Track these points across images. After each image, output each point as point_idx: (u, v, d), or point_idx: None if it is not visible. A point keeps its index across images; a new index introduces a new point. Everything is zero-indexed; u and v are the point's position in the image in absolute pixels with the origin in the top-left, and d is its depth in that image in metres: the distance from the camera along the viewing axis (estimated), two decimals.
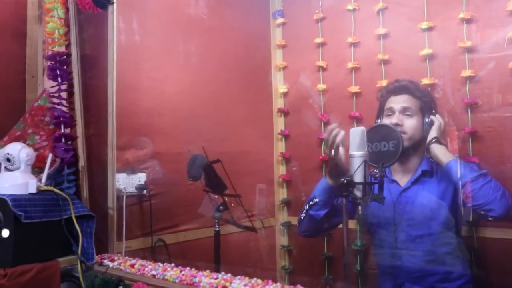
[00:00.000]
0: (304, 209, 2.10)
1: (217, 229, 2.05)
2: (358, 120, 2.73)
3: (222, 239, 2.61)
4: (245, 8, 2.99)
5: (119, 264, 1.77)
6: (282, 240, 3.07)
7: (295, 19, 3.08)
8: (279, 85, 3.12)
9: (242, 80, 2.92)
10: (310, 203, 2.05)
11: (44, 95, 1.96)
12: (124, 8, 2.06)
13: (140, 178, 2.32)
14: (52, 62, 1.89)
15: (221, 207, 2.05)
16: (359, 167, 1.69)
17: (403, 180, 2.08)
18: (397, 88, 2.11)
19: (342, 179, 1.67)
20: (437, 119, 2.02)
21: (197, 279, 1.52)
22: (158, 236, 2.36)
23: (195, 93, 2.62)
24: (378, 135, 1.90)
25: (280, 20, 3.11)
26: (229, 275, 1.53)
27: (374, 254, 2.26)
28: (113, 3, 1.84)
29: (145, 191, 2.32)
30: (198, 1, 2.65)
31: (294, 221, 3.00)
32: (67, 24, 1.92)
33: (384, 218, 2.08)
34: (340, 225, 2.17)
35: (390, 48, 2.65)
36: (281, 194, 3.08)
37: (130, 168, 2.26)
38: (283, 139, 3.10)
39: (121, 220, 2.03)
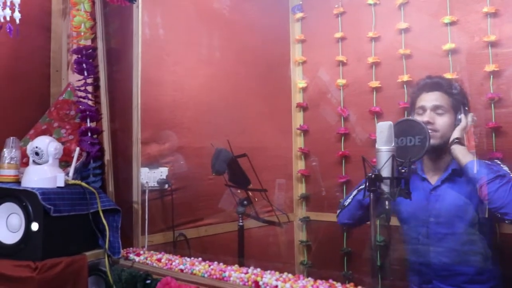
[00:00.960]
0: (350, 195, 2.10)
1: (240, 223, 2.05)
2: (378, 115, 2.72)
3: (234, 235, 2.65)
4: (264, 2, 2.98)
5: (146, 258, 1.77)
6: (300, 235, 3.06)
7: (315, 13, 3.06)
8: (298, 80, 3.10)
9: (261, 74, 2.92)
10: (360, 187, 2.03)
11: (69, 89, 1.96)
12: (148, 2, 2.05)
13: (162, 172, 2.32)
14: (79, 56, 1.89)
15: (245, 202, 2.05)
16: (387, 161, 1.68)
17: (434, 178, 2.06)
18: (428, 85, 2.07)
19: (370, 174, 1.67)
20: (464, 119, 2.00)
21: (226, 274, 1.52)
22: (180, 230, 2.36)
23: (215, 88, 2.62)
24: (404, 130, 1.88)
25: (299, 15, 3.09)
26: (258, 269, 1.52)
27: (403, 249, 2.23)
28: None
29: (166, 186, 2.32)
30: None
31: (313, 216, 3.00)
32: (93, 18, 1.93)
33: (414, 214, 2.07)
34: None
35: (411, 43, 2.63)
36: (300, 189, 3.07)
37: (152, 162, 2.26)
38: (302, 134, 3.09)
39: (144, 215, 2.02)
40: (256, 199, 2.12)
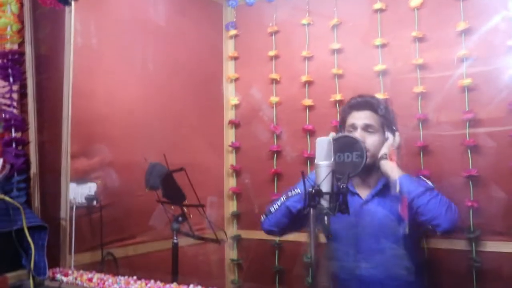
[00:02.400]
0: (278, 200, 2.05)
1: (175, 241, 1.96)
2: (311, 133, 2.76)
3: (167, 253, 2.56)
4: (199, 18, 2.95)
5: (75, 278, 1.65)
6: (231, 253, 3.01)
7: (248, 31, 3.07)
8: (231, 97, 3.08)
9: (195, 90, 2.87)
10: (290, 193, 2.01)
11: None
12: (81, 9, 1.95)
13: (90, 188, 2.20)
14: (4, 60, 1.75)
15: (180, 218, 1.97)
16: (326, 176, 1.68)
17: (364, 193, 2.08)
18: (360, 104, 2.09)
19: (310, 189, 1.66)
20: (391, 136, 2.04)
21: None
22: (108, 249, 2.24)
23: (148, 102, 2.54)
24: (342, 146, 1.90)
25: (233, 32, 3.08)
26: (199, 287, 1.47)
27: (332, 266, 2.23)
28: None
29: (95, 202, 2.20)
30: (155, 7, 2.59)
31: (244, 234, 2.97)
32: (21, 21, 1.80)
33: (345, 230, 2.05)
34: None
35: (343, 63, 2.70)
36: (231, 207, 3.03)
37: (80, 177, 2.13)
38: (234, 151, 3.06)
39: (70, 232, 1.90)
40: (191, 215, 2.05)
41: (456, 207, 1.88)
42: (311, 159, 2.72)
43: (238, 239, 2.99)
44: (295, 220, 2.02)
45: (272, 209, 2.06)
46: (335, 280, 2.20)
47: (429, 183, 2.03)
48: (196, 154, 2.81)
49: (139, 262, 2.38)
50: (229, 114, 3.09)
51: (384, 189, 2.04)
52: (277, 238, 2.80)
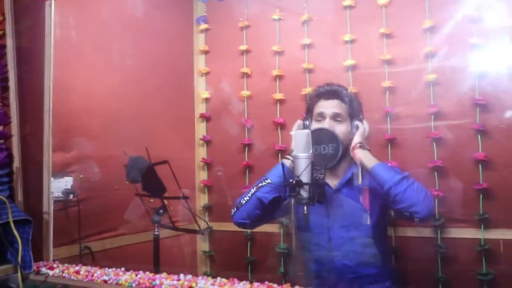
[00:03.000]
0: (248, 192, 2.01)
1: (156, 233, 1.99)
2: (282, 126, 2.82)
3: (143, 246, 2.58)
4: (170, 12, 2.96)
5: (62, 271, 1.66)
6: (203, 245, 3.05)
7: (219, 25, 3.10)
8: (202, 91, 3.11)
9: (167, 84, 2.89)
10: (260, 184, 1.99)
11: None
12: (60, 1, 1.93)
13: (67, 182, 2.20)
14: None
15: (161, 211, 2.00)
16: (306, 168, 1.74)
17: (333, 182, 2.10)
18: (328, 92, 2.10)
19: (291, 180, 1.71)
20: (361, 125, 2.05)
21: (157, 282, 1.47)
22: (85, 243, 2.24)
23: (123, 96, 2.55)
24: (318, 138, 1.95)
25: (203, 26, 3.11)
26: (189, 276, 1.50)
27: (305, 256, 2.28)
28: None
29: (71, 196, 2.20)
30: (129, 1, 2.58)
31: (216, 226, 3.00)
32: (1, 13, 1.77)
33: (315, 220, 2.02)
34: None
35: (314, 58, 2.78)
36: (203, 199, 3.06)
37: (57, 171, 2.12)
38: (205, 144, 3.09)
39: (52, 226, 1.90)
40: (171, 208, 2.07)
41: (431, 195, 1.92)
42: (282, 151, 2.79)
43: (210, 231, 3.02)
44: (266, 211, 2.01)
45: (243, 201, 2.02)
46: (308, 269, 2.26)
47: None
48: (169, 147, 2.82)
49: (117, 255, 2.40)
50: (200, 108, 3.12)
51: (353, 178, 2.06)
52: (248, 230, 2.86)
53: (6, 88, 1.78)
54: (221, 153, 3.05)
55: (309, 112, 2.16)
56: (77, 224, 2.21)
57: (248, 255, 2.88)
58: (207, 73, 3.12)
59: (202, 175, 3.09)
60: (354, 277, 2.03)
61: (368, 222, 2.03)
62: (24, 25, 1.82)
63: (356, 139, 2.01)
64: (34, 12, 1.81)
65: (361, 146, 1.99)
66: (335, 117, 2.05)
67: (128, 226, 2.45)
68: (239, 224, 2.10)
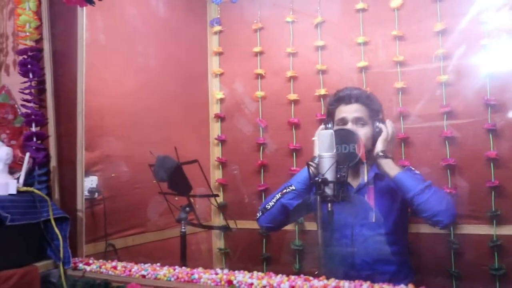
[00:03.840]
0: (273, 197, 2.10)
1: (183, 230, 2.04)
2: (296, 126, 2.88)
3: (164, 243, 2.64)
4: (184, 14, 3.02)
5: (99, 267, 1.72)
6: (218, 243, 3.11)
7: (233, 27, 3.17)
8: (216, 91, 3.17)
9: (182, 84, 2.94)
10: (284, 191, 2.07)
11: (3, 92, 1.84)
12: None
13: (93, 181, 2.25)
14: (24, 57, 1.79)
15: (187, 208, 2.06)
16: (330, 167, 1.81)
17: (355, 182, 2.16)
18: (347, 97, 2.14)
19: (317, 178, 1.78)
20: (384, 129, 2.06)
21: (196, 276, 1.53)
22: (109, 240, 2.30)
23: (141, 97, 2.60)
24: (339, 138, 2.01)
25: (217, 28, 3.17)
26: (226, 270, 1.56)
27: (324, 253, 2.33)
28: None
29: (96, 195, 2.26)
30: (145, 5, 2.65)
31: (231, 224, 3.04)
32: (39, 18, 1.83)
33: (337, 218, 2.01)
34: None
35: (327, 60, 2.84)
36: (218, 198, 3.12)
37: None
38: (220, 144, 3.15)
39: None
40: (197, 205, 2.13)
41: (452, 201, 1.97)
42: (296, 151, 2.86)
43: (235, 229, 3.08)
44: (290, 215, 2.09)
45: (268, 206, 2.12)
46: (328, 267, 2.31)
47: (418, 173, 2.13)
48: (184, 146, 2.86)
49: (139, 252, 2.45)
50: (214, 108, 3.18)
51: (375, 178, 2.12)
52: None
53: (43, 90, 1.84)
54: (235, 152, 3.11)
55: (329, 116, 2.20)
56: (101, 222, 2.27)
57: (264, 251, 2.94)
58: (221, 74, 3.18)
59: (217, 174, 3.15)
60: (371, 274, 2.06)
61: (389, 220, 2.09)
62: (58, 29, 1.87)
63: (379, 146, 2.03)
64: (68, 16, 1.87)
65: (384, 156, 2.01)
66: (357, 121, 2.09)
67: (150, 224, 2.51)
68: (264, 228, 2.24)
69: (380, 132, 2.08)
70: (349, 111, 2.12)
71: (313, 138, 2.10)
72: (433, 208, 1.89)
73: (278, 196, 2.11)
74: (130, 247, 2.43)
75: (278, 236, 2.93)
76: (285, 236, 2.90)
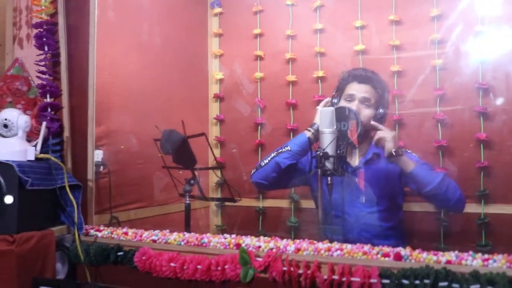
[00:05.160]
0: (269, 156, 2.20)
1: (187, 202, 2.12)
2: (294, 107, 2.96)
3: (167, 217, 2.73)
4: None
5: (111, 232, 1.79)
6: (215, 220, 3.20)
7: (233, 9, 3.23)
8: (215, 72, 3.24)
9: (183, 65, 3.01)
10: (280, 150, 2.17)
11: (17, 64, 1.90)
12: None
13: (98, 154, 2.31)
14: (40, 30, 1.84)
15: (192, 181, 2.13)
16: (331, 142, 1.90)
17: (353, 161, 2.25)
18: (362, 77, 2.20)
19: (318, 152, 1.87)
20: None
21: (205, 240, 1.62)
22: (113, 213, 2.37)
23: (145, 75, 2.66)
24: (338, 116, 2.10)
25: (217, 10, 3.23)
26: (233, 235, 1.65)
27: (323, 230, 2.41)
28: None
29: (102, 168, 2.32)
30: None
31: (228, 201, 3.14)
32: None
33: (338, 195, 2.14)
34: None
35: (325, 43, 2.92)
36: (215, 176, 3.20)
37: None
38: (218, 123, 3.23)
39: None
40: (201, 178, 2.21)
41: (458, 187, 2.09)
42: (293, 131, 2.94)
43: (222, 206, 3.18)
44: (282, 175, 2.18)
45: (263, 164, 2.21)
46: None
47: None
48: (185, 125, 2.95)
49: (141, 225, 2.52)
50: (214, 88, 3.25)
51: (373, 158, 2.22)
52: (260, 204, 3.02)
53: (57, 63, 1.90)
54: (233, 131, 3.19)
55: (338, 90, 2.26)
56: (106, 195, 2.34)
57: (260, 228, 3.04)
58: (221, 55, 3.25)
59: (215, 153, 3.22)
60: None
61: (386, 197, 2.20)
62: (72, 4, 1.93)
63: (390, 146, 2.02)
64: None
65: (397, 153, 2.03)
66: (364, 101, 2.16)
67: (152, 198, 2.59)
68: (257, 184, 2.29)
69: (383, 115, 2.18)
70: (359, 90, 2.18)
71: (317, 107, 2.23)
72: (449, 199, 2.05)
73: (273, 154, 2.21)
74: (132, 220, 2.51)
75: (274, 213, 3.03)
76: (281, 214, 2.99)
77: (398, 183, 2.23)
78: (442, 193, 2.02)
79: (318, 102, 2.75)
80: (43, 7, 1.87)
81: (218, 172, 3.19)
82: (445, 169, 2.57)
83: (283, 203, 3.00)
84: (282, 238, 1.61)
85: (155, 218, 2.65)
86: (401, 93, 2.71)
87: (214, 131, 3.24)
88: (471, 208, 2.55)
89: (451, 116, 2.60)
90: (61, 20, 1.89)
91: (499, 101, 2.51)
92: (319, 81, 2.90)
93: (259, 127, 3.07)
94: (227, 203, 3.12)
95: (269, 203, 3.05)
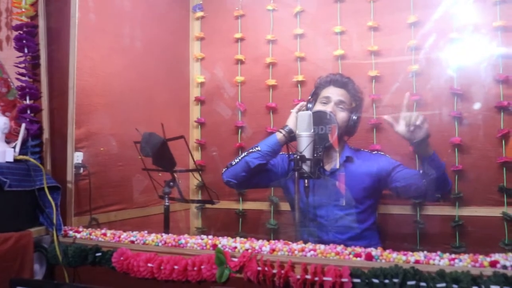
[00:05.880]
0: (239, 156, 2.28)
1: (166, 203, 2.14)
2: (274, 110, 3.00)
3: (146, 220, 2.74)
4: None
5: (89, 234, 1.81)
6: (196, 222, 3.22)
7: (214, 14, 3.26)
8: (197, 75, 3.27)
9: (165, 67, 3.03)
10: (250, 150, 2.25)
11: None
12: None
13: (78, 156, 2.32)
14: (20, 32, 1.86)
15: (171, 183, 2.16)
16: (308, 145, 1.95)
17: (328, 165, 2.30)
18: (338, 81, 2.29)
19: (295, 155, 1.91)
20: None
21: (182, 241, 1.64)
22: (93, 215, 2.38)
23: (126, 77, 2.68)
24: (316, 120, 2.15)
25: (199, 14, 3.26)
26: (211, 236, 1.68)
27: (298, 232, 2.46)
28: None
29: (81, 170, 2.33)
30: None
31: (208, 204, 3.17)
32: None
33: (313, 198, 2.24)
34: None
35: (305, 47, 2.97)
36: (196, 178, 3.22)
37: None
38: (199, 126, 3.25)
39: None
40: (180, 181, 2.23)
41: None
42: (273, 134, 2.97)
43: (202, 208, 3.20)
44: (252, 175, 2.24)
45: (233, 163, 2.28)
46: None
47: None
48: (165, 128, 2.97)
49: (121, 228, 2.53)
50: (195, 92, 3.28)
51: (347, 161, 2.28)
52: (240, 207, 3.05)
53: (37, 65, 1.91)
54: (214, 135, 3.22)
55: (314, 94, 2.34)
56: (86, 197, 2.35)
57: (240, 230, 3.06)
58: (202, 59, 3.28)
59: (196, 156, 3.25)
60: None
61: (358, 201, 2.25)
62: (53, 6, 1.94)
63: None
64: None
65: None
66: (339, 103, 2.24)
67: (132, 200, 2.61)
68: (227, 183, 2.33)
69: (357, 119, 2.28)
70: (335, 93, 2.27)
71: (291, 110, 2.28)
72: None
73: (243, 154, 2.28)
74: (112, 222, 2.52)
75: (254, 215, 3.06)
76: (261, 216, 3.03)
77: (373, 185, 2.27)
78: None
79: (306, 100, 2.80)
80: (23, 9, 1.88)
81: (199, 176, 3.22)
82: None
83: (263, 206, 3.04)
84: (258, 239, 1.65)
85: (135, 220, 2.66)
86: (378, 97, 2.76)
87: (195, 134, 3.27)
88: (446, 211, 2.61)
89: (428, 120, 2.65)
90: (41, 22, 1.90)
91: (473, 106, 2.58)
92: (299, 85, 2.94)
93: (240, 130, 3.10)
94: (207, 205, 3.15)
95: (249, 205, 3.08)
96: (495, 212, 2.51)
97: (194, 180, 3.22)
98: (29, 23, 1.89)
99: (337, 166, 2.29)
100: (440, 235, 2.63)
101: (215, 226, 3.18)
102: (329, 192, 2.28)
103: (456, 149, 2.59)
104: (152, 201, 2.75)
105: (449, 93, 2.60)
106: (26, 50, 1.88)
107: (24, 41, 1.86)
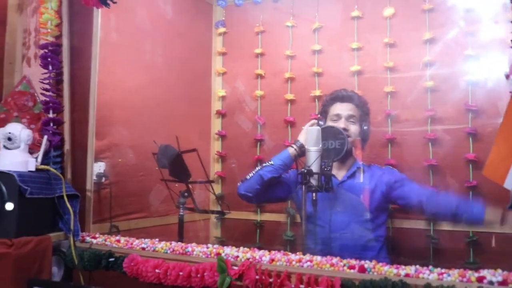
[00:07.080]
0: (254, 170, 2.38)
1: (181, 213, 2.25)
2: (292, 124, 3.08)
3: (165, 228, 2.84)
4: (191, 16, 3.23)
5: (104, 240, 1.92)
6: (215, 232, 3.31)
7: (236, 29, 3.37)
8: (218, 89, 3.37)
9: (187, 82, 3.15)
10: (264, 164, 2.36)
11: (24, 81, 2.05)
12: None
13: (101, 166, 2.45)
14: (45, 51, 2.00)
15: (185, 194, 2.26)
16: (316, 159, 2.01)
17: (340, 174, 2.39)
18: (344, 97, 2.40)
19: (303, 169, 1.98)
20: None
21: (189, 249, 1.73)
22: (113, 222, 2.49)
23: (149, 91, 2.80)
24: (326, 135, 2.22)
25: (221, 30, 3.38)
26: (216, 245, 1.76)
27: (310, 240, 2.52)
28: (116, 2, 2.00)
29: (103, 179, 2.46)
30: (155, 6, 2.86)
31: (228, 214, 3.25)
32: (60, 16, 2.05)
33: (323, 207, 2.28)
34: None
35: (323, 63, 3.04)
36: (216, 189, 3.31)
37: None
38: (220, 139, 3.36)
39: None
40: (194, 191, 2.33)
41: None
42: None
43: (222, 218, 3.29)
44: (266, 187, 2.34)
45: (248, 177, 2.39)
46: (311, 251, 2.50)
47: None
48: (186, 140, 3.07)
49: (140, 235, 2.64)
50: (216, 105, 3.38)
51: (357, 172, 2.36)
52: (258, 218, 3.13)
53: (60, 81, 2.05)
54: (234, 147, 3.31)
55: (323, 112, 2.46)
56: (107, 205, 2.47)
57: (257, 241, 3.14)
58: (224, 73, 3.39)
59: (216, 167, 3.35)
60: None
61: (367, 212, 2.31)
62: (76, 27, 2.08)
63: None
64: (85, 15, 2.07)
65: None
66: (350, 118, 2.36)
67: (152, 209, 2.72)
68: (242, 196, 2.43)
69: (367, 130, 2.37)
70: (344, 109, 2.38)
71: (303, 127, 2.39)
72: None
73: (258, 168, 2.40)
74: (132, 229, 2.63)
75: (271, 226, 3.13)
76: (278, 228, 3.10)
77: (382, 197, 2.33)
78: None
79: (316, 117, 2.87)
80: (49, 30, 2.02)
81: (219, 186, 3.32)
82: (434, 187, 2.65)
83: (280, 217, 3.10)
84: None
85: (155, 228, 2.77)
86: (393, 113, 2.80)
87: (216, 146, 3.37)
88: (460, 226, 2.62)
89: (441, 136, 2.69)
90: (65, 41, 2.04)
91: (488, 122, 2.59)
92: (316, 100, 3.01)
93: (259, 143, 3.18)
94: (226, 216, 3.24)
95: (266, 217, 3.16)
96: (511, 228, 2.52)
97: (215, 191, 3.31)
98: (54, 42, 2.03)
99: (348, 176, 2.37)
100: (455, 251, 2.64)
101: (233, 236, 3.26)
102: (339, 201, 2.35)
103: (470, 165, 2.61)
104: (172, 211, 2.85)
105: (463, 109, 2.62)
106: (50, 67, 2.01)
107: (49, 59, 2.00)
